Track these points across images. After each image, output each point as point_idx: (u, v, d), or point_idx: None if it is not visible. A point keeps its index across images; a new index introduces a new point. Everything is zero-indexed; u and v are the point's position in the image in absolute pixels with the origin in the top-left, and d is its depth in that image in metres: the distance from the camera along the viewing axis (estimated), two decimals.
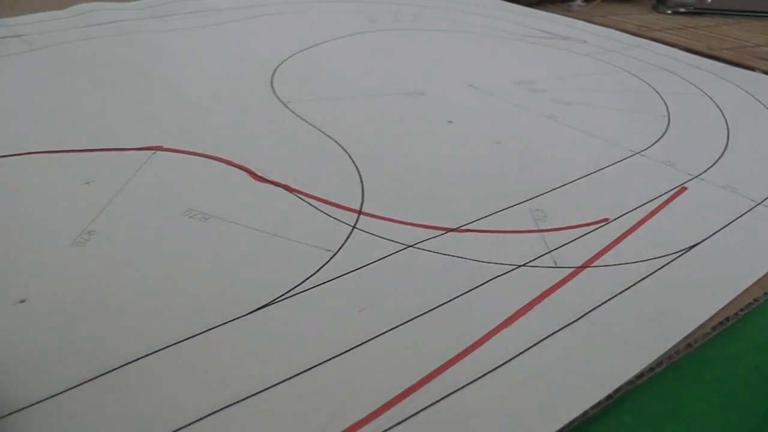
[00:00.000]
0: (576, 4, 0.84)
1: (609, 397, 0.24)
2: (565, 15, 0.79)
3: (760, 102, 0.52)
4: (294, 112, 0.44)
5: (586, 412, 0.23)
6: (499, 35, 0.65)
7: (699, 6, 0.84)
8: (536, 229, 0.33)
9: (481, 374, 0.24)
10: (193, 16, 0.65)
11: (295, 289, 0.28)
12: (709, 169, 0.40)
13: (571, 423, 0.23)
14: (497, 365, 0.24)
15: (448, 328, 0.26)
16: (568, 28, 0.71)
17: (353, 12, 0.67)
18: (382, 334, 0.26)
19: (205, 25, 0.62)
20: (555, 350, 0.25)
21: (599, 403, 0.24)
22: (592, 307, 0.28)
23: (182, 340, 0.25)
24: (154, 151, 0.39)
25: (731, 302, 0.29)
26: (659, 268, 0.31)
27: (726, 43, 0.70)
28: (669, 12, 0.84)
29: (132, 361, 0.24)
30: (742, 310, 0.29)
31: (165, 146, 0.39)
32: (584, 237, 0.33)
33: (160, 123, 0.43)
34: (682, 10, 0.84)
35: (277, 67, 0.52)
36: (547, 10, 0.81)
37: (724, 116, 0.49)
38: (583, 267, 0.30)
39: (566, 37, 0.67)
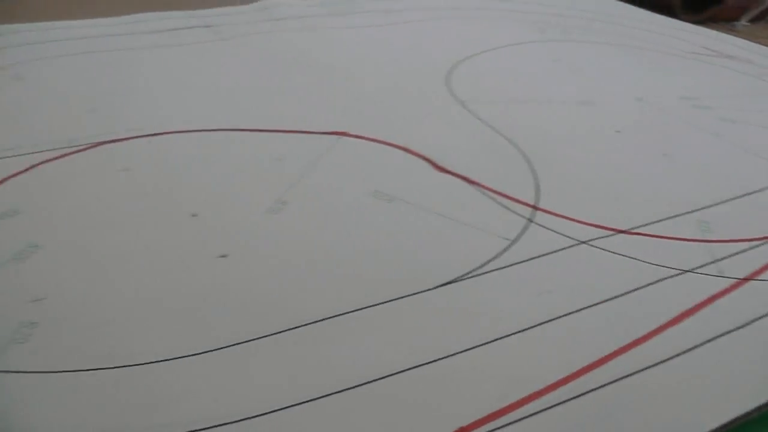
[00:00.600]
0: (740, 23, 0.83)
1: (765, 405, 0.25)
2: (729, 33, 0.78)
3: None
4: (470, 111, 0.47)
5: (742, 416, 0.24)
6: (664, 50, 0.65)
7: None
8: (702, 239, 0.34)
9: (643, 367, 0.26)
10: (369, 15, 0.68)
11: (477, 270, 0.30)
12: None
13: (725, 426, 0.24)
14: (659, 361, 0.26)
15: (616, 321, 0.28)
16: (733, 47, 0.71)
17: (524, 21, 0.69)
18: (557, 318, 0.28)
19: (382, 24, 0.66)
20: (714, 354, 0.27)
21: (756, 408, 0.25)
22: (754, 319, 0.29)
23: (372, 306, 0.28)
24: (339, 136, 0.42)
25: None
26: None
27: None
28: None
29: (324, 319, 0.27)
30: None
31: (350, 132, 0.43)
32: (750, 251, 0.34)
33: (343, 111, 0.46)
34: None
35: (452, 68, 0.55)
36: (711, 28, 0.80)
37: None
38: (747, 279, 0.32)
39: (731, 56, 0.67)
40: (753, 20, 0.84)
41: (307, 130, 0.43)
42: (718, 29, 0.80)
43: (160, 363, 0.25)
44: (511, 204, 0.36)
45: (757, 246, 0.34)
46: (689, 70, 0.61)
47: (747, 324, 0.29)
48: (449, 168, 0.39)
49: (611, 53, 0.62)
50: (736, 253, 0.33)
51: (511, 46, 0.61)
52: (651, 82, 0.56)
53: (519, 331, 0.27)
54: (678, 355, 0.27)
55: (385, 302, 0.28)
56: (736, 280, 0.31)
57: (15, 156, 0.38)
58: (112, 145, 0.40)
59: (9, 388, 0.23)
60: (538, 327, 0.27)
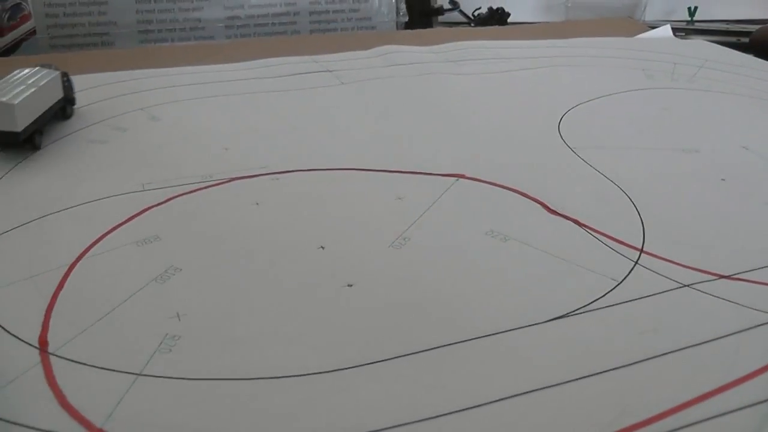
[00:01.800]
0: None
1: None
2: None
3: None
4: (580, 157, 0.50)
5: None
6: None
7: None
8: None
9: (738, 408, 0.28)
10: (483, 62, 0.72)
11: (585, 307, 0.33)
12: None
13: None
14: (756, 402, 0.28)
15: (714, 363, 0.30)
16: None
17: (633, 69, 0.71)
18: (659, 356, 0.30)
19: (495, 71, 0.69)
20: None
21: None
22: None
23: (487, 336, 0.31)
24: (457, 178, 0.46)
25: None
26: None
27: None
28: None
29: (442, 346, 0.31)
30: None
31: (467, 174, 0.46)
32: None
33: (461, 154, 0.50)
34: None
35: (563, 115, 0.58)
36: None
37: None
38: None
39: None
40: None
41: (427, 171, 0.47)
42: None
43: (290, 378, 0.29)
44: (618, 246, 0.38)
45: None
46: None
47: None
48: (561, 211, 0.42)
49: (719, 101, 0.64)
50: None
51: (619, 94, 0.64)
52: (758, 131, 0.57)
53: (625, 366, 0.30)
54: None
55: (500, 333, 0.31)
56: None
57: (153, 189, 0.43)
58: (242, 181, 0.45)
59: (155, 391, 0.28)
60: (640, 363, 0.30)
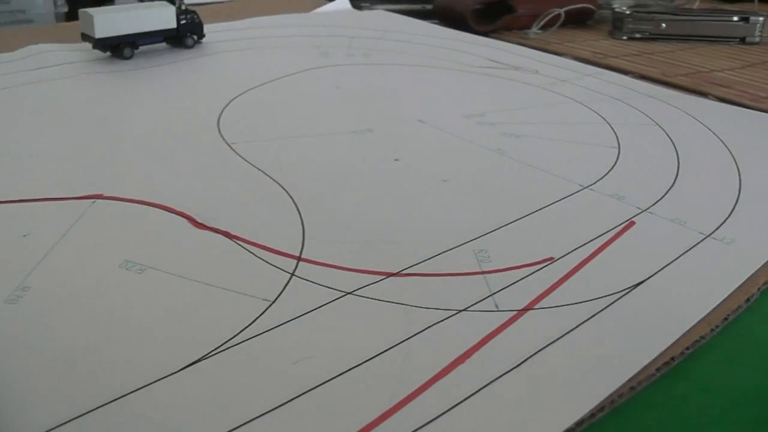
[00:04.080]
0: (532, 31, 0.85)
1: None
2: (520, 44, 0.79)
3: (710, 130, 0.52)
4: (239, 154, 0.44)
5: None
6: (450, 67, 0.65)
7: (654, 32, 0.85)
8: (479, 270, 0.33)
9: (416, 428, 0.24)
10: (144, 55, 0.64)
11: (229, 342, 0.27)
12: (658, 202, 0.40)
13: None
14: (432, 419, 0.24)
15: (382, 381, 0.26)
16: (521, 57, 0.72)
17: (307, 47, 0.67)
18: (314, 388, 0.25)
19: (157, 64, 0.62)
20: (492, 401, 0.25)
21: None
22: (532, 353, 0.27)
23: (112, 401, 0.24)
24: (94, 200, 0.38)
25: (677, 341, 0.29)
26: (604, 308, 0.30)
27: (681, 69, 0.71)
28: (625, 38, 0.85)
29: (59, 425, 0.23)
30: (687, 348, 0.29)
31: (105, 194, 0.39)
32: (528, 278, 0.33)
33: (102, 169, 0.42)
34: (637, 35, 0.85)
35: (225, 107, 0.52)
36: (502, 39, 0.81)
37: (674, 146, 0.49)
38: (525, 310, 0.30)
39: (518, 67, 0.67)
40: (544, 28, 0.85)
41: (58, 196, 0.39)
42: (511, 39, 0.82)
43: None
44: (274, 258, 0.33)
45: (536, 271, 0.33)
46: (475, 86, 0.61)
47: (524, 361, 0.27)
48: (209, 224, 0.36)
49: (395, 74, 0.61)
50: (514, 282, 0.32)
51: (290, 76, 0.59)
52: (434, 102, 0.55)
53: (268, 411, 0.24)
54: (450, 409, 0.25)
55: (124, 395, 0.25)
56: (513, 312, 0.30)
57: None
58: None
59: None
60: (290, 402, 0.25)
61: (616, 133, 0.51)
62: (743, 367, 0.29)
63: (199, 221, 0.36)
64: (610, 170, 0.44)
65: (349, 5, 0.84)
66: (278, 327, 0.28)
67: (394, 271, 0.32)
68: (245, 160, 0.43)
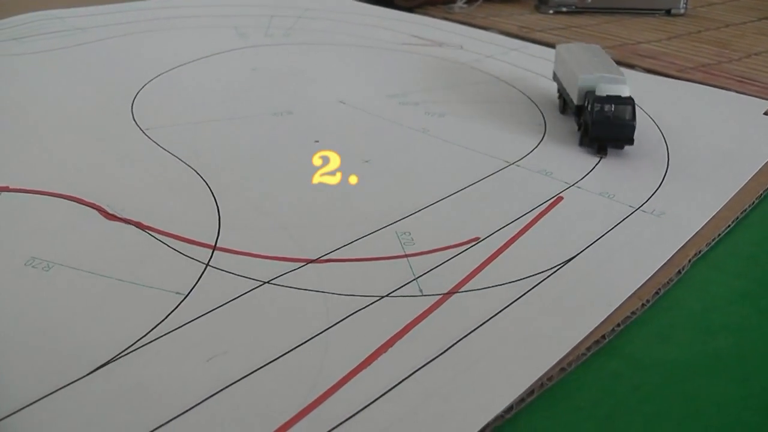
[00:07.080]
0: (457, 6, 0.84)
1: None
2: (445, 19, 0.79)
3: (638, 104, 0.52)
4: (153, 140, 0.42)
5: None
6: (373, 45, 0.64)
7: (580, 5, 0.85)
8: (402, 254, 0.32)
9: (337, 423, 0.23)
10: (55, 36, 0.62)
11: (140, 341, 0.26)
12: (585, 176, 0.40)
13: None
14: (355, 412, 0.23)
15: (302, 374, 0.25)
16: (445, 33, 0.71)
17: (224, 27, 0.65)
18: (230, 385, 0.24)
19: (68, 46, 0.59)
20: (417, 390, 0.24)
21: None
22: (458, 339, 0.27)
23: (15, 411, 0.23)
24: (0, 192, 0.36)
25: (608, 318, 0.29)
26: (532, 288, 0.30)
27: (607, 42, 0.71)
28: (551, 12, 0.85)
29: None
30: (618, 325, 0.28)
31: (11, 186, 0.37)
32: (453, 259, 0.32)
33: (8, 159, 0.40)
34: (563, 9, 0.85)
35: (138, 91, 0.50)
36: (427, 14, 0.80)
37: None
38: (451, 293, 0.30)
39: (442, 43, 0.66)
40: (469, 2, 0.85)
41: None
42: (435, 14, 0.81)
43: None
44: (188, 248, 0.32)
45: (461, 252, 0.32)
46: (398, 65, 0.60)
47: (450, 347, 0.26)
48: (121, 214, 0.34)
49: (316, 54, 0.60)
50: (439, 265, 0.32)
51: (206, 58, 0.57)
52: (356, 82, 0.54)
53: (183, 412, 0.23)
54: (374, 401, 0.24)
55: (30, 404, 0.23)
56: (438, 296, 0.29)
57: None
58: None
59: None
60: (206, 402, 0.24)
61: (541, 110, 0.51)
62: (675, 341, 0.29)
63: (110, 212, 0.34)
64: (536, 147, 0.44)
65: None
66: (192, 322, 0.27)
67: (313, 258, 0.31)
68: (159, 146, 0.42)
